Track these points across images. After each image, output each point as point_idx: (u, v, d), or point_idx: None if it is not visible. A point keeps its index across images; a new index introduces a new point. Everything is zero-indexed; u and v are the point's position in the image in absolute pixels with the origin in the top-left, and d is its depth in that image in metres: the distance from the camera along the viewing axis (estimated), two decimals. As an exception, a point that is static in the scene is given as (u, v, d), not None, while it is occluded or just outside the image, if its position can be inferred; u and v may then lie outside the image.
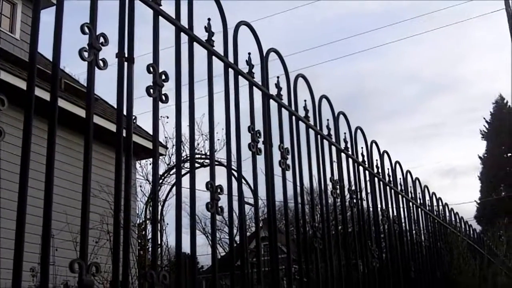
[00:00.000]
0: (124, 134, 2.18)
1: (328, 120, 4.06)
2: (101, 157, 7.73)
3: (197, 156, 8.31)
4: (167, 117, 7.46)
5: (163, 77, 2.36)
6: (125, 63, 2.21)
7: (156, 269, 2.15)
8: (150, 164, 9.97)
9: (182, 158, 8.86)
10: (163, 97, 2.34)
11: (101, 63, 2.05)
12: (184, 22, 2.63)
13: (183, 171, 8.16)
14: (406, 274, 4.82)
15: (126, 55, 2.23)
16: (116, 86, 2.19)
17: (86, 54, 2.00)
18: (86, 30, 2.02)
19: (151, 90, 2.30)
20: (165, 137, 10.07)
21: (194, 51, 2.66)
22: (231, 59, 2.99)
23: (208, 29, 2.81)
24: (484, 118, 27.95)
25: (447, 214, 6.74)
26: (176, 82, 2.50)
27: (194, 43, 2.69)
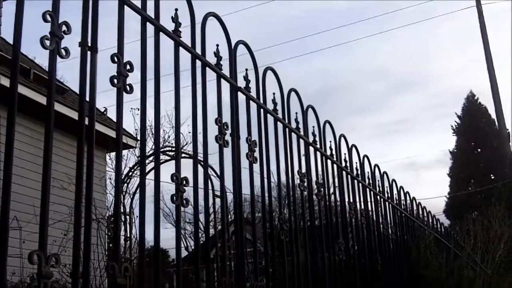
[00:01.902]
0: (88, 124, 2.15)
1: (296, 113, 4.07)
2: (72, 149, 7.64)
3: (166, 148, 8.24)
4: (138, 109, 7.38)
5: (128, 67, 2.33)
6: (88, 52, 2.18)
7: (118, 261, 2.14)
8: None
9: (151, 151, 8.79)
10: (128, 88, 2.32)
11: (63, 51, 2.02)
12: (150, 12, 2.60)
13: (152, 165, 8.09)
14: (373, 267, 4.87)
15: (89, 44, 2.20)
16: (79, 75, 2.16)
17: (48, 42, 1.97)
18: (48, 18, 1.99)
19: (115, 80, 2.28)
20: (136, 130, 9.87)
21: (162, 42, 2.64)
22: (198, 50, 2.98)
23: (175, 19, 2.78)
24: (456, 113, 28.27)
25: (415, 208, 6.82)
26: (141, 73, 2.47)
27: (161, 33, 2.67)
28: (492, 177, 25.32)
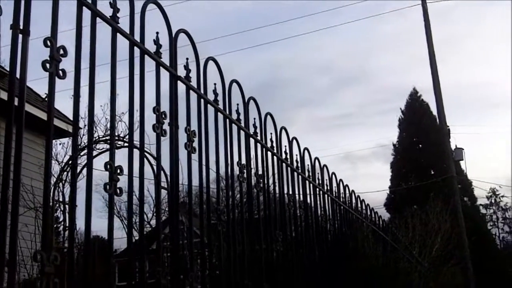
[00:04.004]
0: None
1: (238, 105, 4.07)
2: (32, 145, 7.67)
3: (106, 138, 8.10)
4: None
5: (62, 51, 2.28)
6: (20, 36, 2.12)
7: (47, 250, 2.09)
8: (59, 144, 9.63)
9: (93, 139, 8.64)
10: (61, 73, 2.27)
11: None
12: (88, -4, 2.55)
13: (94, 153, 7.95)
14: (311, 257, 4.93)
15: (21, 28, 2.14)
16: (9, 58, 2.11)
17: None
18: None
19: (48, 65, 2.23)
20: (81, 118, 9.69)
21: (102, 29, 2.59)
22: (137, 38, 2.94)
23: (113, 4, 2.73)
24: (401, 109, 28.90)
25: (354, 201, 6.94)
26: (76, 58, 2.42)
27: (98, 19, 2.62)
28: (432, 173, 26.04)
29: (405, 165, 27.22)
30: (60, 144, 9.07)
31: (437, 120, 22.97)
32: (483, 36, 57.75)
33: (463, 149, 29.00)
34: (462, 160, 28.88)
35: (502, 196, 40.85)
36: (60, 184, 8.43)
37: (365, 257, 6.11)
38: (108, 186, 2.45)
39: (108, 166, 2.47)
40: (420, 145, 27.68)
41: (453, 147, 25.58)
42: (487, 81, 60.97)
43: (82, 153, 9.05)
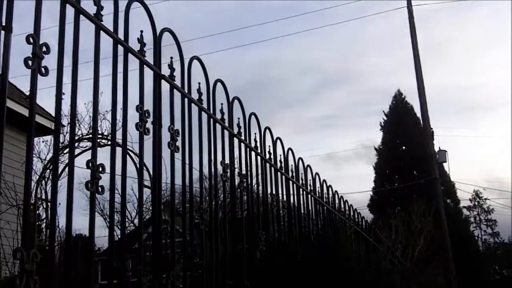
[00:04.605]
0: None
1: (222, 104, 4.07)
2: (15, 142, 7.64)
3: (89, 136, 8.06)
4: (63, 94, 7.21)
5: (44, 48, 2.27)
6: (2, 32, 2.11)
7: (27, 247, 2.09)
8: (42, 141, 9.56)
9: (77, 137, 8.59)
10: (43, 70, 2.26)
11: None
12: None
13: (77, 151, 7.91)
14: (293, 257, 4.95)
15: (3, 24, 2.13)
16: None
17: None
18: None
19: (30, 62, 2.22)
20: (65, 115, 9.63)
21: (85, 27, 2.59)
22: (121, 36, 2.93)
23: (97, 2, 2.72)
24: (384, 112, 29.06)
25: (337, 201, 6.97)
26: (58, 56, 2.41)
27: (82, 17, 2.61)
28: (415, 174, 26.21)
29: (389, 166, 27.38)
30: (43, 141, 9.00)
31: (421, 122, 23.15)
32: (467, 40, 58.24)
33: (446, 151, 29.25)
34: (445, 162, 29.10)
35: (486, 199, 41.24)
36: (43, 182, 8.38)
37: (347, 258, 6.13)
38: (89, 184, 2.44)
39: (90, 164, 2.46)
40: (404, 147, 27.85)
41: (436, 149, 25.80)
42: (471, 84, 61.49)
43: (65, 151, 9.01)
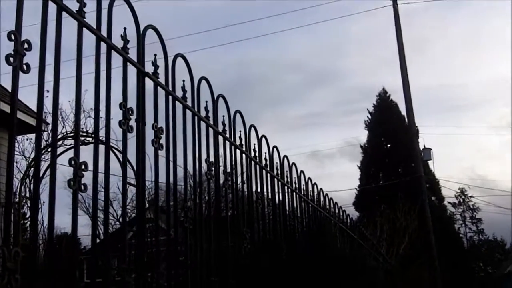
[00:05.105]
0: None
1: (207, 102, 4.06)
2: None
3: (73, 134, 8.04)
4: (47, 91, 7.17)
5: (26, 45, 2.25)
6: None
7: (9, 245, 2.07)
8: (27, 139, 9.49)
9: (60, 135, 8.55)
10: (24, 67, 2.24)
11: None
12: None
13: (61, 149, 7.86)
14: (278, 255, 4.95)
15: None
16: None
17: None
18: None
19: (11, 59, 2.20)
20: (44, 112, 9.57)
21: (68, 24, 2.57)
22: (104, 33, 2.91)
23: (79, -1, 2.71)
24: (368, 110, 29.16)
25: (322, 199, 6.98)
26: (40, 53, 2.39)
27: (64, 14, 2.59)
28: (401, 172, 26.34)
29: (374, 164, 27.49)
30: (27, 139, 8.95)
31: (406, 120, 23.27)
32: (451, 39, 58.61)
33: (431, 149, 29.45)
34: (430, 160, 29.32)
35: (471, 197, 41.54)
36: (27, 180, 8.32)
37: (332, 254, 6.15)
38: (72, 182, 2.42)
39: (73, 162, 2.45)
40: (389, 145, 27.96)
41: (421, 147, 25.96)
42: (455, 83, 61.92)
43: (49, 149, 8.96)
